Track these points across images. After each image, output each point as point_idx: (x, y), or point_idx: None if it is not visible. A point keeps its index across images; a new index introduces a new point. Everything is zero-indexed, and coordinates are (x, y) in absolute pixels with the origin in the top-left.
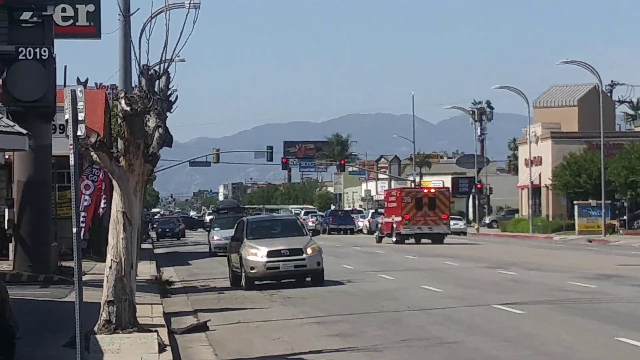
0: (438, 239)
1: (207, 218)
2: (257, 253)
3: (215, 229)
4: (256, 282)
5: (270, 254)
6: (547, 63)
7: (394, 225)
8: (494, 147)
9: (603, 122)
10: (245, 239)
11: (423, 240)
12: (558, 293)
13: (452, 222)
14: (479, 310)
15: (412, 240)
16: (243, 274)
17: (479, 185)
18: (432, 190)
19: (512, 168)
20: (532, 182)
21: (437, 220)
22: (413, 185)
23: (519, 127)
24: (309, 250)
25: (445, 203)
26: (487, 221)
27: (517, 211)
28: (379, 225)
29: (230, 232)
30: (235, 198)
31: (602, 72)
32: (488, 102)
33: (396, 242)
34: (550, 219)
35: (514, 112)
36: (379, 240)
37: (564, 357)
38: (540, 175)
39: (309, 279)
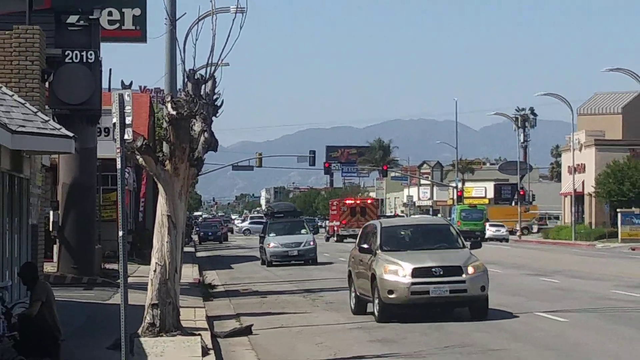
0: None
1: (243, 224)
2: (397, 271)
3: (271, 235)
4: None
5: (416, 272)
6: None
7: (335, 228)
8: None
9: None
10: (378, 251)
11: None
12: (602, 301)
13: (494, 229)
14: (522, 318)
15: (351, 240)
16: (376, 300)
17: (521, 192)
18: (365, 201)
19: (555, 175)
20: (575, 190)
21: None
22: (454, 192)
23: (562, 134)
24: (470, 270)
25: (374, 211)
26: (517, 228)
27: (548, 218)
28: (327, 229)
29: (289, 239)
30: (278, 202)
31: None
32: (531, 109)
33: (337, 241)
34: (593, 227)
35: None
36: (327, 239)
37: None
38: (583, 182)
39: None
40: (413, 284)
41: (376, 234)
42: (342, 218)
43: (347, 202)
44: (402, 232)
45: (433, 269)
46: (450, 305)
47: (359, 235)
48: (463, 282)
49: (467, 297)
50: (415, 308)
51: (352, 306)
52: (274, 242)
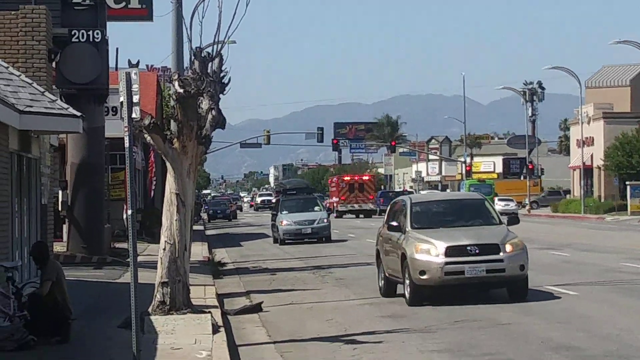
0: (367, 214)
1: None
2: (429, 250)
3: (284, 212)
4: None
5: (450, 251)
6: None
7: (335, 204)
8: (545, 127)
9: None
10: (409, 228)
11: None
12: (612, 274)
13: (502, 204)
14: (532, 292)
15: (350, 215)
16: (407, 281)
17: (530, 166)
18: (362, 177)
19: (564, 149)
20: (584, 163)
21: (365, 200)
22: (462, 167)
23: (570, 107)
24: (508, 247)
25: (372, 187)
26: (526, 202)
27: (559, 192)
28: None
29: (302, 216)
30: (290, 178)
31: None
32: (539, 83)
33: (336, 217)
34: (602, 200)
35: (566, 93)
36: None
37: (618, 339)
38: (592, 156)
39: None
40: (447, 263)
41: (405, 211)
42: (341, 194)
43: (345, 179)
44: (434, 208)
45: (468, 247)
46: (486, 286)
47: (387, 213)
48: (501, 260)
49: (505, 277)
50: (449, 289)
51: (381, 287)
52: (286, 220)
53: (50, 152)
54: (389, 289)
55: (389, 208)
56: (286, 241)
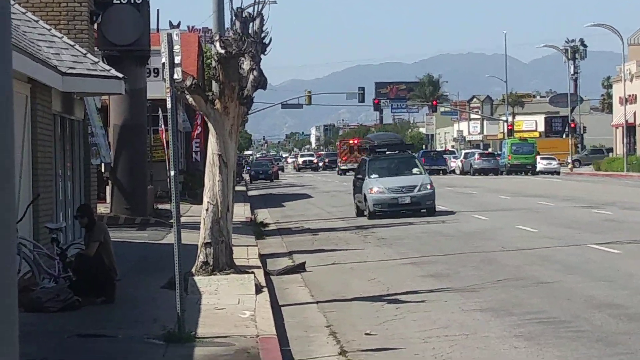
0: None
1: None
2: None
3: (373, 177)
4: None
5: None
6: None
7: (339, 164)
8: (587, 85)
9: None
10: (366, 177)
11: (504, 179)
12: None
13: (545, 162)
14: (575, 250)
15: (352, 172)
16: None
17: (572, 125)
18: (361, 140)
19: (606, 107)
20: (626, 121)
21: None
22: (504, 126)
23: (613, 65)
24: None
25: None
26: (569, 161)
27: (601, 151)
28: (338, 164)
29: (398, 181)
30: (379, 132)
31: None
32: (581, 40)
33: (339, 174)
34: None
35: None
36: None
37: None
38: (635, 113)
39: None
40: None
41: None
42: (343, 155)
43: (347, 142)
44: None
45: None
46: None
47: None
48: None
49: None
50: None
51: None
52: (377, 187)
53: (99, 113)
54: (358, 212)
55: (357, 165)
56: (377, 213)
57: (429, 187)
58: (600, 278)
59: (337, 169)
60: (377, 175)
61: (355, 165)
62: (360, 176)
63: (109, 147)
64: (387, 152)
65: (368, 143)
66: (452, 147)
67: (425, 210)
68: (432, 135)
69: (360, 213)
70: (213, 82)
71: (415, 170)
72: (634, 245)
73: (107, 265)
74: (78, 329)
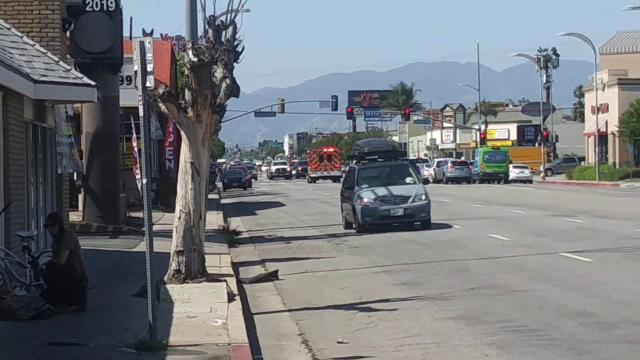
0: (335, 179)
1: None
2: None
3: (363, 186)
4: None
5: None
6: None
7: (309, 172)
8: (559, 94)
9: None
10: (356, 187)
11: (476, 188)
12: (626, 241)
13: (517, 171)
14: (546, 259)
15: (321, 181)
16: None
17: (545, 133)
18: (330, 150)
19: (578, 115)
20: (598, 130)
21: (332, 168)
22: (476, 134)
23: (585, 74)
24: (417, 199)
25: (338, 157)
26: (541, 169)
27: (574, 159)
28: (308, 172)
29: (390, 191)
30: (369, 139)
31: None
32: (554, 49)
33: (309, 182)
34: (617, 167)
35: (580, 59)
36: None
37: (632, 305)
38: (607, 122)
39: None
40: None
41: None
42: (313, 163)
43: (316, 150)
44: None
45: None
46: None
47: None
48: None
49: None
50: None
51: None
52: (367, 197)
53: (68, 120)
54: (346, 225)
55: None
56: (367, 226)
57: (424, 197)
58: (571, 287)
59: (307, 177)
60: (367, 185)
61: (325, 173)
62: (348, 186)
63: (80, 155)
64: (378, 160)
65: (357, 149)
66: (425, 155)
67: (419, 224)
68: (405, 143)
69: (348, 226)
70: (186, 90)
71: (408, 180)
72: (606, 253)
73: (78, 273)
74: (49, 337)
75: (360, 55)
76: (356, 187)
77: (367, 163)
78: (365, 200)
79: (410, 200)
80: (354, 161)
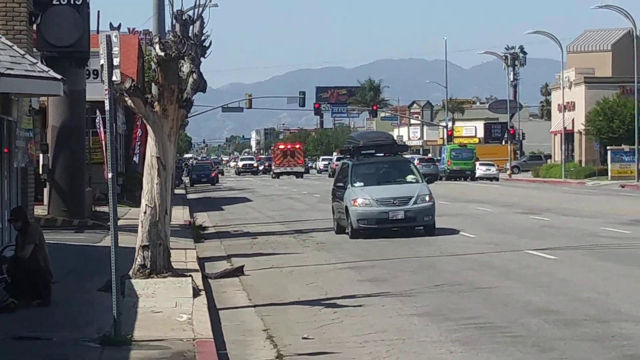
0: (298, 175)
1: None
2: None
3: (357, 185)
4: None
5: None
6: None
7: (272, 167)
8: (526, 92)
9: (637, 67)
10: (350, 185)
11: (443, 185)
12: (592, 239)
13: (484, 168)
14: (512, 256)
15: (285, 176)
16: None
17: (511, 131)
18: (294, 145)
19: (545, 113)
20: (565, 128)
21: (295, 164)
22: (444, 131)
23: (552, 72)
24: (420, 200)
25: (301, 154)
26: (507, 167)
27: (540, 157)
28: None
29: (389, 191)
30: (364, 131)
31: (636, 16)
32: (521, 47)
33: (273, 177)
34: (583, 165)
35: (548, 57)
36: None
37: (597, 303)
38: (573, 120)
39: None
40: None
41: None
42: (277, 159)
43: (280, 146)
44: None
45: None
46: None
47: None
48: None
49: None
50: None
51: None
52: (363, 198)
53: (30, 114)
54: (338, 230)
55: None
56: (361, 231)
57: (427, 198)
58: (536, 284)
59: (271, 172)
60: (362, 184)
61: (289, 169)
62: (341, 184)
63: (46, 149)
64: (376, 154)
65: (351, 143)
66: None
67: (422, 228)
68: None
69: (340, 230)
70: (153, 84)
71: (410, 178)
72: (571, 251)
73: (42, 267)
74: (13, 332)
75: (328, 52)
76: (349, 186)
77: (362, 158)
78: (359, 200)
79: (412, 201)
80: (348, 156)
